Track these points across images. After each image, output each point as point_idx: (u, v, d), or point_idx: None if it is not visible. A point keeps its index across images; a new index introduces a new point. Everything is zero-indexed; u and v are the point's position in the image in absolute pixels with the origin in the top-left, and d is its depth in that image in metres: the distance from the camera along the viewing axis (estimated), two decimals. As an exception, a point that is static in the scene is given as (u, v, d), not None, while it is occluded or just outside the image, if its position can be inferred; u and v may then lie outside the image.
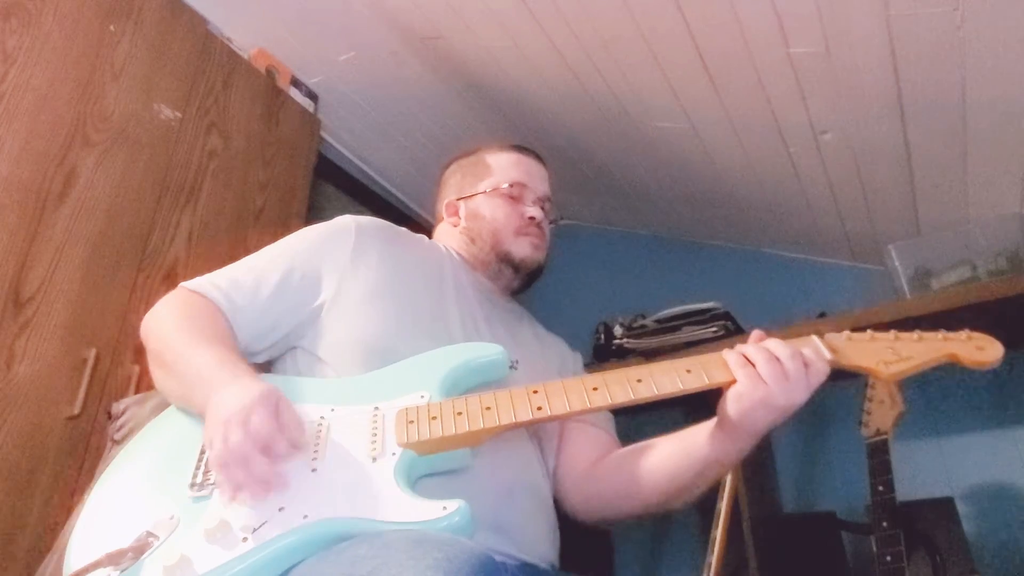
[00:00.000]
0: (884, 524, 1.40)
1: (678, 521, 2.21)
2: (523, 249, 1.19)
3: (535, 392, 0.88)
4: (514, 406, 0.87)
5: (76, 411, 1.30)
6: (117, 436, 1.05)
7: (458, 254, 1.22)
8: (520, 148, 1.30)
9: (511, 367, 1.00)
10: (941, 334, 0.89)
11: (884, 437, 1.46)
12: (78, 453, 1.30)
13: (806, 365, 0.85)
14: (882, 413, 1.48)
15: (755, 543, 1.66)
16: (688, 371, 0.88)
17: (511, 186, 1.22)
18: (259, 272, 1.04)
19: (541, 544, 0.96)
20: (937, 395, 1.95)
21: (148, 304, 1.31)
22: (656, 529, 2.24)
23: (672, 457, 0.97)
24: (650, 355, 2.00)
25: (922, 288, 1.81)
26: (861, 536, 1.77)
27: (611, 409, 0.91)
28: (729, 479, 1.48)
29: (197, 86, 1.72)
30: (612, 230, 2.79)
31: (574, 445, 1.09)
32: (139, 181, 1.53)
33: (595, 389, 0.88)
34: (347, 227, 1.10)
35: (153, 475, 0.87)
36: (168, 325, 0.97)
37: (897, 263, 1.85)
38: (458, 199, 1.27)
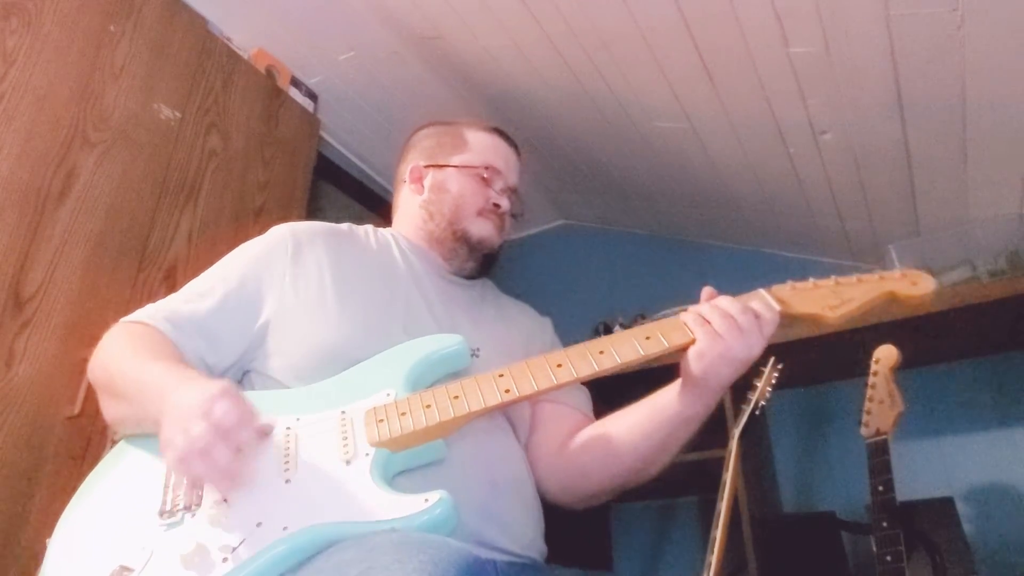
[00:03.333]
0: (884, 524, 1.39)
1: (678, 521, 2.21)
2: (482, 229, 1.16)
3: (501, 376, 0.89)
4: (482, 391, 0.87)
5: (76, 411, 1.30)
6: (116, 437, 1.04)
7: (407, 239, 1.18)
8: (500, 132, 1.26)
9: (473, 355, 0.99)
10: (878, 274, 0.94)
11: (884, 437, 1.46)
12: (78, 453, 1.30)
13: (757, 317, 0.89)
14: (882, 413, 1.48)
15: (755, 543, 1.65)
16: (647, 337, 0.91)
17: (486, 168, 1.19)
18: (198, 299, 1.01)
19: (529, 532, 0.96)
20: (937, 395, 1.95)
21: (149, 303, 1.31)
22: (656, 529, 2.24)
23: (643, 421, 0.99)
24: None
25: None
26: (861, 536, 1.77)
27: (578, 382, 0.92)
28: (729, 479, 1.47)
29: (197, 86, 1.72)
30: (612, 230, 2.79)
31: (544, 426, 1.08)
32: (139, 181, 1.53)
33: (559, 365, 0.89)
34: (283, 238, 1.08)
35: (119, 507, 0.84)
36: (114, 354, 0.95)
37: (897, 263, 1.84)
38: (426, 165, 1.22)
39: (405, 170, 1.25)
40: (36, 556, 1.17)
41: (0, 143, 1.29)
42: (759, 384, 1.57)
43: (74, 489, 1.25)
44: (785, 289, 0.94)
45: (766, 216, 2.25)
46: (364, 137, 2.44)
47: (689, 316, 0.91)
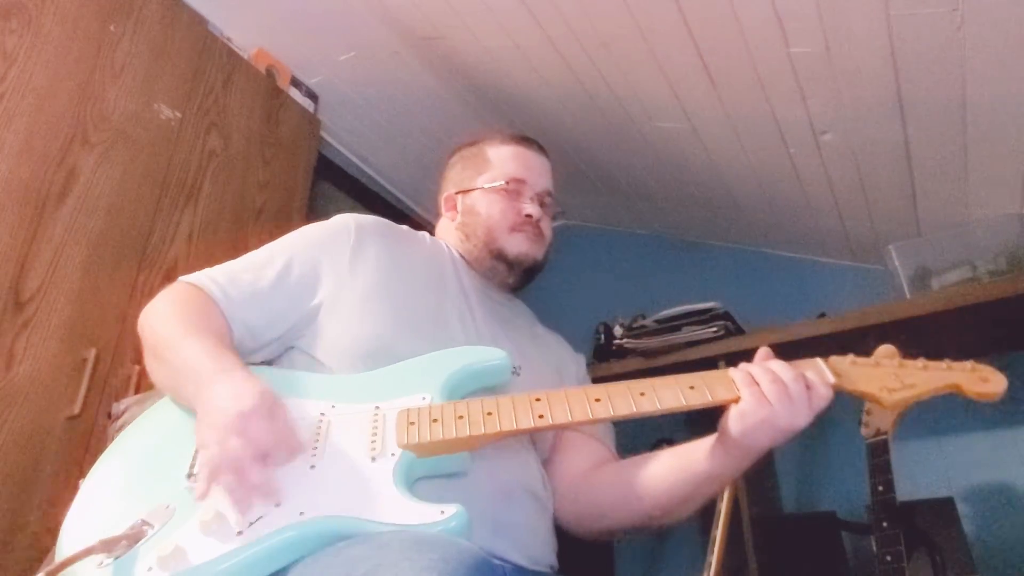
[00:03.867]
0: (884, 524, 1.39)
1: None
2: (517, 246, 1.17)
3: (537, 400, 0.88)
4: (516, 413, 0.86)
5: (76, 411, 1.30)
6: (119, 425, 1.05)
7: (458, 252, 1.21)
8: (521, 139, 1.27)
9: (514, 372, 0.99)
10: (946, 363, 0.90)
11: (884, 437, 1.46)
12: (78, 453, 1.30)
13: (809, 388, 0.85)
14: (882, 413, 1.48)
15: (755, 543, 1.66)
16: (692, 387, 0.88)
17: (508, 182, 1.20)
18: (257, 268, 1.03)
19: (540, 547, 0.95)
20: (937, 395, 1.95)
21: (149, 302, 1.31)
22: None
23: (671, 470, 0.97)
24: (650, 355, 2.00)
25: (922, 288, 1.81)
26: (861, 536, 1.77)
27: (609, 420, 0.90)
28: (729, 479, 1.48)
29: (197, 86, 1.72)
30: (612, 230, 2.79)
31: (569, 454, 1.08)
32: (139, 181, 1.53)
33: (598, 400, 0.88)
34: (346, 226, 1.10)
35: (150, 463, 0.86)
36: (162, 316, 0.96)
37: (897, 263, 1.84)
38: (456, 192, 1.25)
39: (441, 201, 1.29)
40: (36, 555, 1.17)
41: (0, 143, 1.29)
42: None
43: (74, 489, 1.26)
44: (844, 362, 0.91)
45: (766, 216, 2.25)
46: (364, 137, 2.44)
47: (738, 374, 0.88)
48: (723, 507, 1.44)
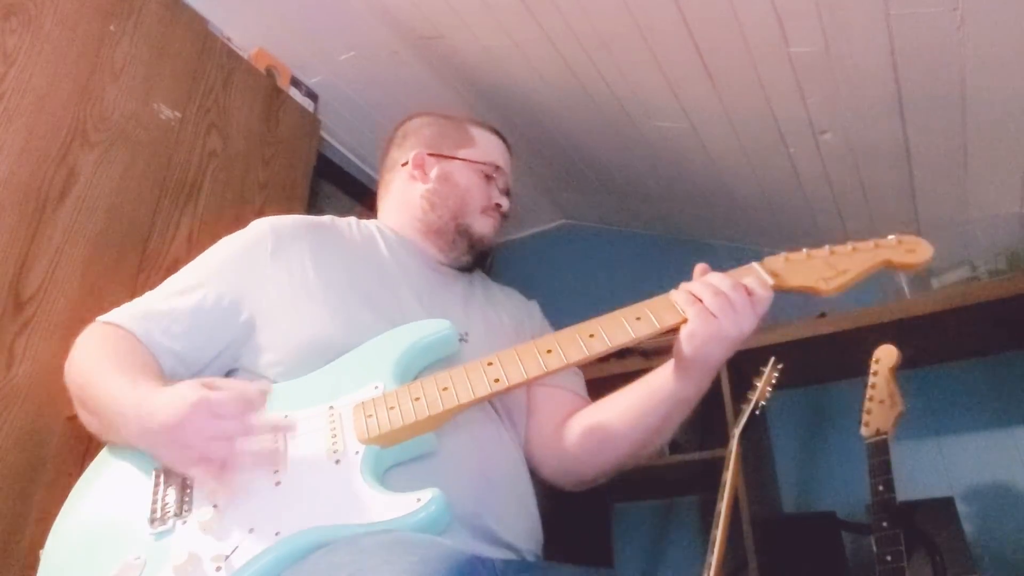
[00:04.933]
0: (884, 524, 1.39)
1: (678, 521, 2.21)
2: (484, 226, 1.16)
3: (490, 364, 0.87)
4: (471, 382, 0.85)
5: (76, 411, 1.29)
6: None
7: (393, 230, 1.17)
8: (499, 133, 1.27)
9: (461, 339, 0.98)
10: (872, 242, 0.91)
11: (884, 437, 1.46)
12: (78, 453, 1.29)
13: (750, 294, 0.87)
14: (882, 413, 1.48)
15: (755, 543, 1.66)
16: (638, 318, 0.89)
17: (494, 168, 1.19)
18: (174, 298, 1.00)
19: (524, 523, 0.95)
20: (937, 395, 1.95)
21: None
22: (656, 529, 2.24)
23: (636, 404, 0.98)
24: (650, 355, 1.99)
25: (922, 288, 1.81)
26: (861, 536, 1.77)
27: (569, 367, 0.90)
28: (729, 479, 1.48)
29: (197, 86, 1.72)
30: (612, 230, 2.79)
31: (540, 411, 1.07)
32: (139, 181, 1.53)
33: (549, 352, 0.87)
34: (262, 232, 1.07)
35: (109, 515, 0.83)
36: (79, 366, 0.94)
37: (897, 263, 1.84)
38: (431, 154, 1.20)
39: (403, 155, 1.23)
40: (36, 556, 1.17)
41: (0, 143, 1.29)
42: (759, 384, 1.57)
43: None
44: (779, 261, 0.92)
45: (766, 215, 2.25)
46: (364, 137, 2.44)
47: (680, 295, 0.89)
48: (723, 507, 1.44)
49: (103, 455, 0.92)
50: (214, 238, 1.68)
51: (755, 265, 0.92)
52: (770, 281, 0.88)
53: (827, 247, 0.92)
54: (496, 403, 1.01)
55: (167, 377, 0.93)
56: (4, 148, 1.29)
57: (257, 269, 1.02)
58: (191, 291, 1.00)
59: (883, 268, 0.90)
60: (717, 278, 0.89)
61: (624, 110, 1.98)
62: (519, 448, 1.03)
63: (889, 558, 1.37)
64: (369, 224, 1.20)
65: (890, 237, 0.91)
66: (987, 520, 1.78)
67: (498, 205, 1.18)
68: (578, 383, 1.13)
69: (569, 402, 1.08)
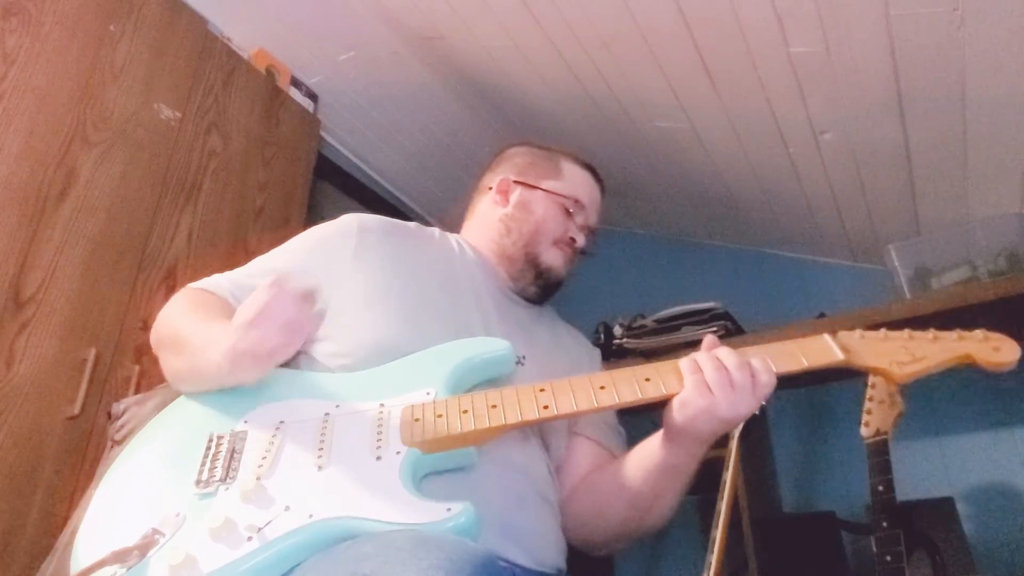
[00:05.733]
0: (884, 524, 1.39)
1: (678, 521, 2.20)
2: (553, 259, 1.16)
3: (542, 390, 0.87)
4: (520, 405, 0.86)
5: (76, 411, 1.30)
6: (117, 436, 1.04)
7: (474, 248, 1.19)
8: (595, 171, 1.27)
9: (518, 362, 0.99)
10: (956, 334, 0.87)
11: (884, 437, 1.46)
12: (78, 453, 1.30)
13: (753, 376, 0.84)
14: (882, 413, 1.48)
15: (755, 543, 1.65)
16: (647, 379, 0.88)
17: (575, 202, 1.19)
18: (262, 274, 1.03)
19: (550, 550, 0.94)
20: (937, 395, 1.95)
21: (148, 304, 1.32)
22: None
23: (631, 469, 0.97)
24: (649, 355, 2.00)
25: (922, 288, 1.81)
26: (861, 536, 1.77)
27: (617, 408, 0.89)
28: (729, 479, 1.47)
29: (197, 86, 1.72)
30: (612, 230, 2.79)
31: (570, 458, 1.06)
32: (139, 181, 1.53)
33: (602, 388, 0.87)
34: (349, 228, 1.09)
35: (158, 471, 0.86)
36: (179, 314, 0.98)
37: (897, 263, 1.84)
38: (516, 181, 1.22)
39: (492, 180, 1.26)
40: (37, 555, 1.17)
41: (0, 143, 1.29)
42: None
43: (74, 489, 1.26)
44: (853, 337, 0.89)
45: (766, 216, 2.25)
46: (364, 137, 2.44)
47: (685, 362, 0.87)
48: (723, 507, 1.43)
49: (176, 403, 0.95)
50: (214, 238, 1.69)
51: (826, 337, 0.89)
52: (774, 369, 0.86)
53: (907, 331, 0.88)
54: (541, 435, 1.01)
55: None
56: (4, 148, 1.29)
57: (338, 264, 1.04)
58: (277, 271, 1.02)
59: (964, 363, 0.86)
60: (724, 352, 0.86)
61: (624, 110, 1.98)
62: (552, 472, 1.03)
63: (889, 558, 1.37)
64: (450, 237, 1.21)
65: (977, 332, 0.87)
66: (987, 520, 1.78)
67: (572, 240, 1.18)
68: (615, 441, 1.11)
69: (599, 456, 1.07)
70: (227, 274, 1.05)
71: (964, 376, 1.95)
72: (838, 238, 2.20)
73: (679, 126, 1.95)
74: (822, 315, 1.92)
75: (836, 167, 1.89)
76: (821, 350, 0.88)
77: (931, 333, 0.88)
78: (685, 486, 0.96)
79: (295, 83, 2.11)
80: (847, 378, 2.02)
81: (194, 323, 0.93)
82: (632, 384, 0.87)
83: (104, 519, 0.82)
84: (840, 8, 1.39)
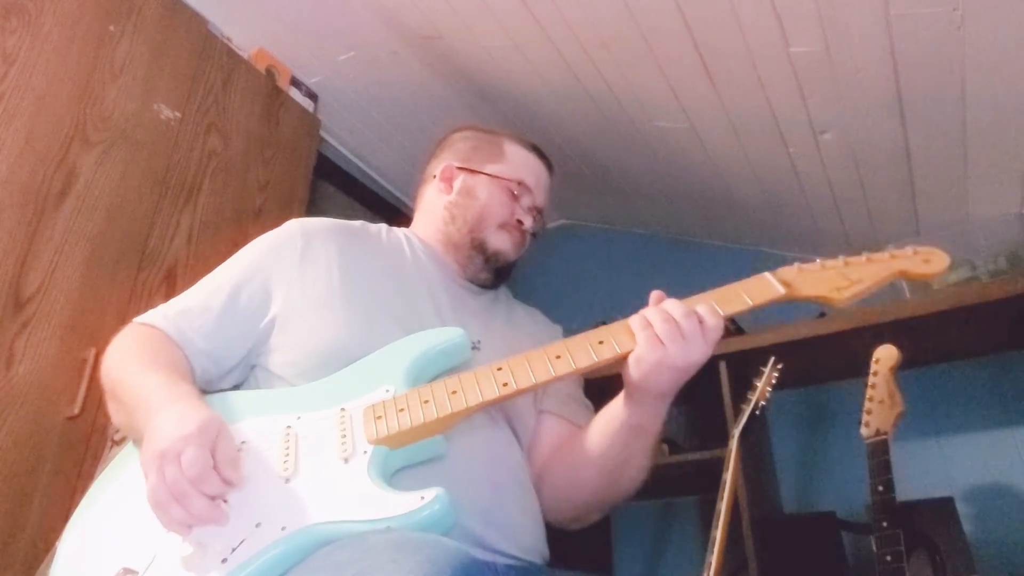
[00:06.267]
0: (884, 524, 1.39)
1: (678, 521, 2.21)
2: (500, 242, 1.15)
3: (499, 369, 0.87)
4: (480, 386, 0.86)
5: (76, 411, 1.30)
6: (117, 436, 1.04)
7: (422, 240, 1.18)
8: (538, 151, 1.26)
9: (474, 347, 0.98)
10: (888, 253, 0.90)
11: (884, 437, 1.46)
12: (78, 453, 1.30)
13: (701, 322, 0.85)
14: (882, 413, 1.48)
15: (755, 543, 1.65)
16: (600, 342, 0.88)
17: (518, 184, 1.18)
18: (207, 296, 1.02)
19: (531, 536, 0.95)
20: (937, 395, 1.95)
21: (148, 304, 1.31)
22: (656, 529, 2.24)
23: (597, 435, 0.97)
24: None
25: (922, 288, 1.81)
26: (861, 536, 1.77)
27: (577, 374, 0.90)
28: (729, 479, 1.48)
29: (197, 86, 1.72)
30: (612, 230, 2.79)
31: (540, 438, 1.06)
32: (139, 181, 1.53)
33: (558, 357, 0.87)
34: (292, 234, 1.08)
35: (125, 508, 0.85)
36: (119, 359, 0.95)
37: (897, 263, 1.84)
38: (459, 167, 1.21)
39: (436, 167, 1.25)
40: (36, 555, 1.17)
41: (0, 143, 1.29)
42: (759, 384, 1.57)
43: (74, 489, 1.26)
44: (791, 271, 0.91)
45: (766, 216, 2.25)
46: (364, 137, 2.44)
47: (635, 319, 0.88)
48: (723, 507, 1.43)
49: (128, 449, 0.94)
50: (214, 238, 1.69)
51: (767, 274, 0.91)
52: (720, 311, 0.88)
53: (841, 258, 0.90)
54: (503, 412, 1.01)
55: (199, 376, 0.96)
56: (4, 148, 1.29)
57: (285, 271, 1.03)
58: (222, 289, 1.02)
59: (898, 278, 0.89)
60: (671, 304, 0.87)
61: (624, 110, 1.98)
62: (525, 457, 1.03)
63: (889, 558, 1.37)
64: (398, 232, 1.21)
65: (906, 248, 0.89)
66: (987, 520, 1.78)
67: (519, 222, 1.17)
68: (584, 415, 1.11)
69: (567, 433, 1.07)
70: (173, 302, 1.02)
71: (964, 376, 1.96)
72: (838, 238, 2.20)
73: (679, 126, 1.95)
74: (822, 315, 1.92)
75: (836, 167, 1.89)
76: (763, 287, 0.90)
77: (864, 256, 0.90)
78: (652, 445, 0.96)
79: (295, 83, 2.11)
80: (847, 378, 2.02)
81: (131, 375, 0.91)
82: (586, 349, 0.87)
83: (74, 562, 0.81)
84: (840, 8, 1.39)
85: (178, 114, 1.65)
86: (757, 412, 1.56)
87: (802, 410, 2.15)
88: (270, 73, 2.01)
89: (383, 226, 1.21)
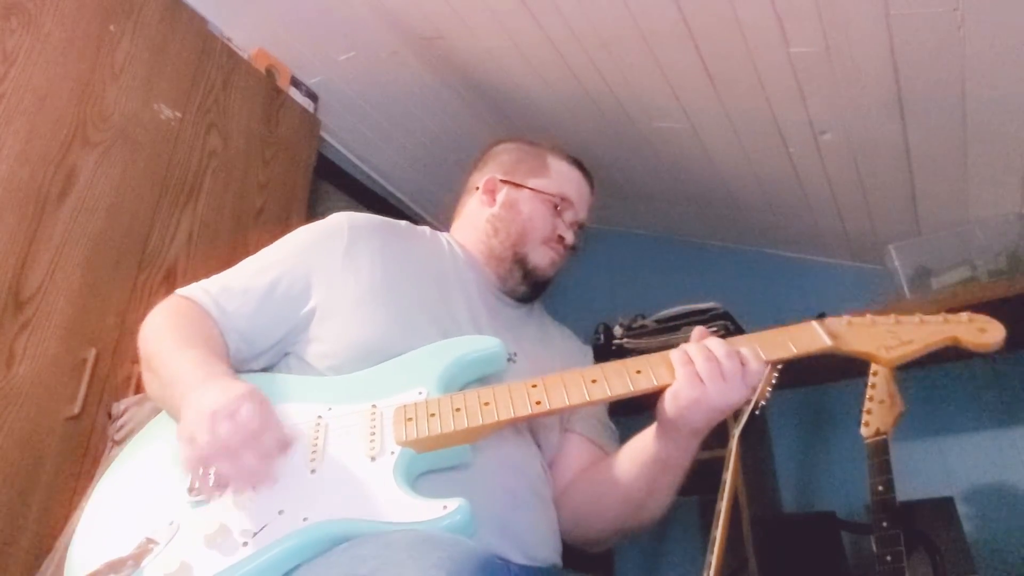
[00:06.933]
0: (884, 524, 1.39)
1: (678, 521, 2.21)
2: (541, 258, 1.16)
3: (534, 386, 0.87)
4: (512, 401, 0.86)
5: (76, 411, 1.30)
6: (117, 436, 1.05)
7: (463, 248, 1.18)
8: (580, 165, 1.26)
9: (509, 359, 0.98)
10: (942, 316, 0.89)
11: (884, 437, 1.46)
12: (78, 453, 1.30)
13: (743, 364, 0.85)
14: (882, 413, 1.48)
15: (755, 543, 1.66)
16: (639, 371, 0.88)
17: (561, 199, 1.19)
18: (249, 277, 1.02)
19: (544, 547, 0.94)
20: (937, 395, 1.95)
21: (148, 304, 1.31)
22: (656, 529, 2.24)
23: (625, 464, 0.97)
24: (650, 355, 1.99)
25: (922, 288, 1.81)
26: (861, 536, 1.77)
27: (609, 400, 0.89)
28: (729, 479, 1.47)
29: (197, 86, 1.72)
30: (612, 230, 2.79)
31: (565, 457, 1.06)
32: (139, 181, 1.53)
33: (594, 382, 0.87)
34: (339, 227, 1.08)
35: (151, 480, 0.86)
36: (156, 330, 0.96)
37: (897, 263, 1.84)
38: (503, 180, 1.21)
39: (479, 179, 1.25)
40: (36, 555, 1.17)
41: (0, 143, 1.29)
42: (759, 384, 1.57)
43: (74, 489, 1.26)
44: (840, 323, 0.90)
45: (766, 216, 2.25)
46: (364, 137, 2.44)
47: (676, 354, 0.87)
48: (723, 507, 1.43)
49: (161, 417, 0.94)
50: (214, 238, 1.69)
51: (814, 323, 0.89)
52: (763, 356, 0.87)
53: (894, 316, 0.89)
54: (528, 423, 1.01)
55: (232, 354, 0.97)
56: (4, 148, 1.29)
57: (328, 263, 1.03)
58: (265, 273, 1.02)
59: (950, 344, 0.86)
60: (714, 342, 0.86)
61: (624, 110, 1.98)
62: (546, 469, 1.03)
63: (889, 558, 1.37)
64: (441, 236, 1.21)
65: (962, 315, 0.88)
66: (987, 520, 1.78)
67: (561, 237, 1.18)
68: (609, 440, 1.11)
69: (593, 456, 1.07)
70: (215, 278, 1.03)
71: (964, 376, 1.96)
72: (838, 238, 2.20)
73: (679, 126, 1.95)
74: (822, 315, 1.90)
75: (836, 167, 1.89)
76: (809, 337, 0.90)
77: (917, 317, 0.89)
78: (679, 481, 0.95)
79: (295, 83, 2.11)
80: (847, 378, 2.02)
81: (168, 349, 0.91)
82: (623, 377, 0.87)
83: (97, 529, 0.82)
84: (840, 8, 1.39)
85: (178, 114, 1.65)
86: (757, 412, 1.56)
87: (802, 410, 2.15)
88: (270, 73, 2.01)
89: (427, 228, 1.21)
